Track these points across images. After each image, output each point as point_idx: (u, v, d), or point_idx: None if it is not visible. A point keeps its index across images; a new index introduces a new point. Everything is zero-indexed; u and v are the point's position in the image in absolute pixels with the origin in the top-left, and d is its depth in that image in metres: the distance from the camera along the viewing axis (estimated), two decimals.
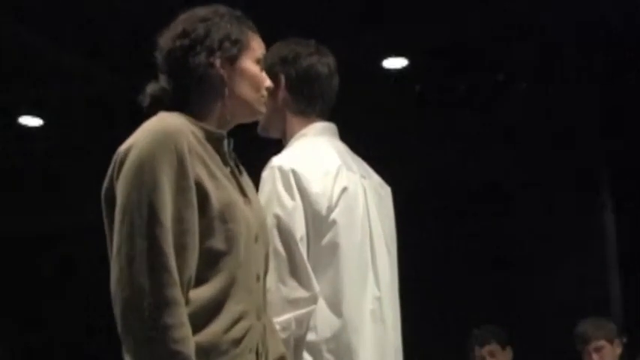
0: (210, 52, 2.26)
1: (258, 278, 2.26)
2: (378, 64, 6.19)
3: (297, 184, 2.58)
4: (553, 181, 5.98)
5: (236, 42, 2.29)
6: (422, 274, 5.64)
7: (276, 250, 2.51)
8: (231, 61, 2.30)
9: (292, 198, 2.56)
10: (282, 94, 2.79)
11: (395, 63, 6.23)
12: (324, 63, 2.82)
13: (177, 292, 2.02)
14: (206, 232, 2.12)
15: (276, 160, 2.65)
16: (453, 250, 6.68)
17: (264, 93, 2.40)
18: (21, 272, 8.05)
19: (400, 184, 3.06)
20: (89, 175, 2.91)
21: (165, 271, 2.01)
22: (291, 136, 2.80)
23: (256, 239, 2.25)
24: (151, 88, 2.30)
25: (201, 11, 2.33)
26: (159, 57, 2.30)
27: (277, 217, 2.53)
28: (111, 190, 2.13)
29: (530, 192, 6.16)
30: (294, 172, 2.60)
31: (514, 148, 6.26)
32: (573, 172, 5.95)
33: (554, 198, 5.98)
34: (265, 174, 2.63)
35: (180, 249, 2.06)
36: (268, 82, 2.42)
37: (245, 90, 2.33)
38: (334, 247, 2.61)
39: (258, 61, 2.37)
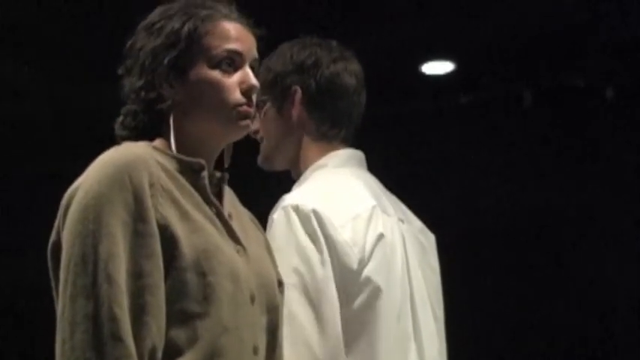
0: (141, 71, 1.97)
1: (255, 351, 1.94)
2: (416, 68, 5.76)
3: (321, 229, 2.20)
4: None
5: (174, 47, 1.96)
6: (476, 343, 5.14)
7: (292, 316, 2.13)
8: (178, 73, 1.97)
9: (317, 248, 2.19)
10: (297, 111, 2.40)
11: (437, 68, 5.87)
12: (351, 72, 2.43)
13: None
14: (177, 288, 1.85)
15: (289, 199, 2.25)
16: (511, 311, 6.00)
17: (239, 100, 1.99)
18: None
19: (445, 227, 2.74)
20: None
21: (117, 340, 1.75)
22: (306, 167, 2.42)
23: (252, 300, 1.95)
24: (116, 127, 2.03)
25: (154, 14, 2.02)
26: None
27: (298, 273, 2.17)
28: (58, 243, 1.86)
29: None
30: (316, 213, 2.20)
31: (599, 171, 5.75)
32: None
33: None
34: (275, 217, 2.24)
35: (139, 311, 1.79)
36: (250, 82, 1.97)
37: (203, 107, 1.99)
38: (368, 312, 2.24)
39: (217, 64, 1.99)
